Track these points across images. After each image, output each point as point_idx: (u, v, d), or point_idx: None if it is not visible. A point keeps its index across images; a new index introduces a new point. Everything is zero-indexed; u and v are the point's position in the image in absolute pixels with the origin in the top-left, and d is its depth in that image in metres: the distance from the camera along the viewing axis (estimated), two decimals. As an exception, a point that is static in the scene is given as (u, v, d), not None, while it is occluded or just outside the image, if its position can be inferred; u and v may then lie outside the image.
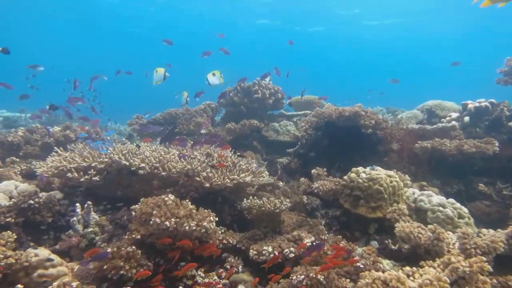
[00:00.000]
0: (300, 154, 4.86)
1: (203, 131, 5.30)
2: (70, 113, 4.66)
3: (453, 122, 4.65)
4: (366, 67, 40.07)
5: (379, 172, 3.12)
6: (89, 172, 3.06)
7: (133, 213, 2.92)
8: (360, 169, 3.25)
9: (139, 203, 2.70)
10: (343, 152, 4.59)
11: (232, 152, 3.90)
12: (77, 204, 2.88)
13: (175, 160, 3.32)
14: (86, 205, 2.87)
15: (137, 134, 6.00)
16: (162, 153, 3.40)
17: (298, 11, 23.64)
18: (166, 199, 2.68)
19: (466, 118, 4.66)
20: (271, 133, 5.59)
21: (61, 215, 3.03)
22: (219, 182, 3.19)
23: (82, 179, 3.03)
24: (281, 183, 4.40)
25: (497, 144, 4.03)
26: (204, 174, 3.22)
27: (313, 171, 3.77)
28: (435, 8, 21.40)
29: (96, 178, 3.07)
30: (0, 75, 12.38)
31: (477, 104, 4.66)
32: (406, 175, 3.59)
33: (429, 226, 2.51)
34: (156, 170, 3.19)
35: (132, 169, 3.16)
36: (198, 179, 3.19)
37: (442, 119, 5.03)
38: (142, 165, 3.15)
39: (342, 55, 35.70)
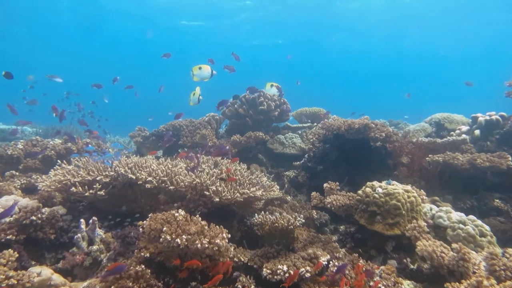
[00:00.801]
0: (307, 167, 4.74)
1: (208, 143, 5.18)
2: (73, 137, 4.54)
3: (464, 136, 4.56)
4: (361, 78, 40.39)
5: (396, 187, 3.00)
6: (94, 186, 2.93)
7: (141, 229, 2.79)
8: (376, 183, 3.14)
9: (147, 219, 2.56)
10: (352, 165, 4.49)
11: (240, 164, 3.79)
12: (82, 220, 2.74)
13: (183, 174, 3.20)
14: (91, 221, 2.73)
15: (138, 146, 5.87)
16: (170, 166, 3.28)
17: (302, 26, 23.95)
18: (176, 214, 2.55)
19: (477, 132, 4.58)
20: (277, 145, 5.48)
21: (63, 231, 2.89)
22: (229, 197, 3.06)
23: (86, 194, 2.89)
24: (289, 197, 4.29)
25: (510, 158, 3.95)
26: (214, 188, 3.09)
27: (325, 185, 3.65)
28: (442, 19, 21.69)
29: (101, 192, 2.94)
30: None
31: (488, 117, 4.59)
32: (422, 190, 3.47)
33: (454, 245, 2.39)
34: (163, 184, 3.07)
35: (138, 182, 3.03)
36: (207, 193, 3.06)
37: (452, 132, 4.95)
38: (149, 178, 3.03)
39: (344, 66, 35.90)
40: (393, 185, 3.06)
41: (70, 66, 31.98)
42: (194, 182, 3.11)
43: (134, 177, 3.03)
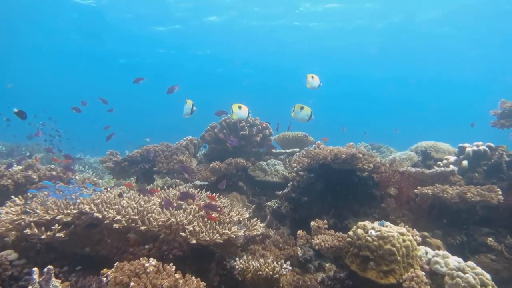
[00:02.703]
0: (291, 198, 4.47)
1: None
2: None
3: (452, 167, 4.42)
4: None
5: (391, 229, 2.76)
6: (52, 227, 2.56)
7: (104, 279, 2.43)
8: (368, 224, 2.89)
9: (112, 269, 2.22)
10: (337, 196, 4.25)
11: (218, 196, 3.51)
12: (35, 269, 2.35)
13: (156, 211, 2.87)
14: (45, 270, 2.34)
15: (109, 172, 5.44)
16: (142, 202, 2.94)
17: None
18: (146, 265, 2.21)
19: (465, 162, 4.44)
20: (259, 172, 5.20)
21: (13, 279, 2.48)
22: (208, 238, 2.75)
23: (43, 236, 2.52)
24: (271, 231, 3.99)
25: (500, 192, 3.81)
26: (191, 228, 2.77)
27: (312, 223, 3.37)
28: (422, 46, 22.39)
29: (61, 234, 2.57)
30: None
31: (475, 148, 4.47)
32: (415, 230, 3.25)
33: (459, 302, 2.15)
34: (134, 224, 2.72)
35: (105, 222, 2.68)
36: (183, 234, 2.74)
37: (439, 162, 4.81)
38: (118, 217, 2.68)
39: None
40: (386, 226, 2.82)
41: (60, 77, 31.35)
42: (169, 222, 2.78)
43: (100, 216, 2.68)
